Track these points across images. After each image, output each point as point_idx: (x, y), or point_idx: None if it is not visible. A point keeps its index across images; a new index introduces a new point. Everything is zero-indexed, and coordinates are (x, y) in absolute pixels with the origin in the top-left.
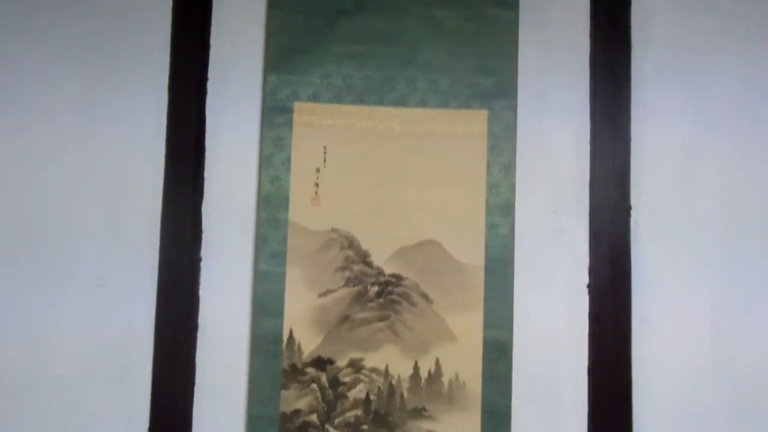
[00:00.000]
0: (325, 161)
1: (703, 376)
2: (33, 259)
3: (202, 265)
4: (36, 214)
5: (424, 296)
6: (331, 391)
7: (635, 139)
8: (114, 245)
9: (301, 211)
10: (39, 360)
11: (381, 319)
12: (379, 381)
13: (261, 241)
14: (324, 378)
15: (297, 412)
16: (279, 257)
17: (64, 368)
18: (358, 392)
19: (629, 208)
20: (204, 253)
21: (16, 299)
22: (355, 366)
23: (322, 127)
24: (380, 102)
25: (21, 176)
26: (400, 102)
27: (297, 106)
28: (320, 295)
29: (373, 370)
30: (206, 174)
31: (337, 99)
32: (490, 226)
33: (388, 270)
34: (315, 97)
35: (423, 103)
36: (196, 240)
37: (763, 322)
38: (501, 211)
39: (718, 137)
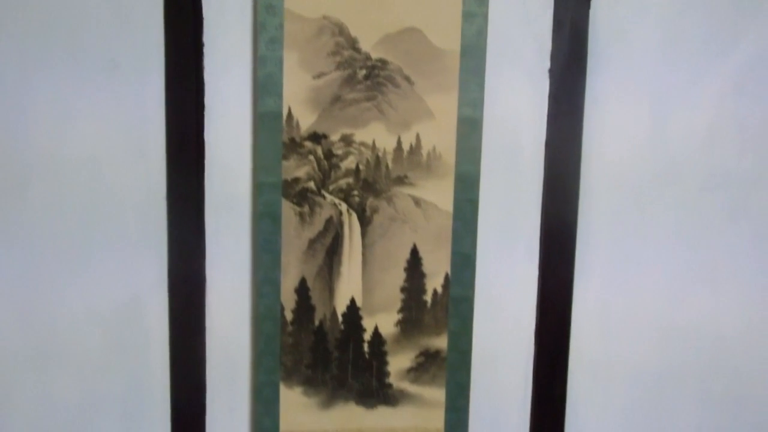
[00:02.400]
0: None
1: (642, 152)
2: (49, 45)
3: (205, 50)
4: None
5: (407, 79)
6: (325, 162)
7: None
8: (121, 30)
9: None
10: (58, 142)
11: (368, 99)
12: (367, 153)
13: (260, 27)
14: (319, 150)
15: (297, 180)
16: (277, 42)
17: (82, 149)
18: (349, 163)
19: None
20: (206, 39)
21: (31, 89)
22: (346, 140)
23: None
24: None
25: None
26: None
27: None
28: (314, 78)
29: (362, 144)
30: None
31: None
32: (466, 15)
33: (375, 55)
34: None
35: None
36: (197, 26)
37: (692, 107)
38: (476, 1)
39: None
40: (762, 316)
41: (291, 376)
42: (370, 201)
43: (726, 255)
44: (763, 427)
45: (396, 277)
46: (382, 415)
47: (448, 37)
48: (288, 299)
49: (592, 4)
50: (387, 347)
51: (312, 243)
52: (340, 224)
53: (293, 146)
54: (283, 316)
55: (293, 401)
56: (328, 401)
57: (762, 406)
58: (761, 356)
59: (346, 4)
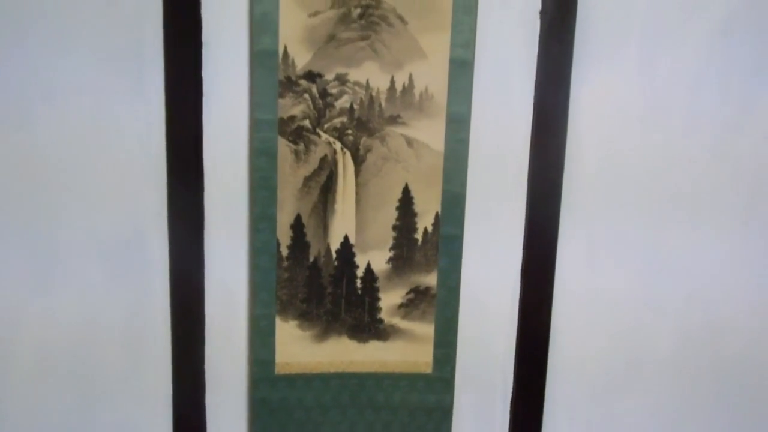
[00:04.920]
0: None
1: (630, 89)
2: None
3: None
4: None
5: (400, 18)
6: (320, 101)
7: None
8: None
9: None
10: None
11: (363, 38)
12: (361, 93)
13: None
14: (314, 89)
15: (292, 118)
16: None
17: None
18: (343, 102)
19: None
20: None
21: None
22: (341, 79)
23: None
24: None
25: None
26: None
27: None
28: (310, 16)
29: (356, 83)
30: None
31: None
32: None
33: None
34: None
35: None
36: None
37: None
38: None
39: None
40: (730, 304)
41: (286, 309)
42: (364, 140)
43: (697, 244)
44: (733, 408)
45: (388, 216)
46: (373, 348)
47: None
48: (284, 235)
49: None
50: (379, 283)
51: (307, 180)
52: (335, 162)
53: (289, 84)
54: (278, 251)
55: (288, 334)
56: (322, 335)
57: (735, 388)
58: (731, 339)
59: None
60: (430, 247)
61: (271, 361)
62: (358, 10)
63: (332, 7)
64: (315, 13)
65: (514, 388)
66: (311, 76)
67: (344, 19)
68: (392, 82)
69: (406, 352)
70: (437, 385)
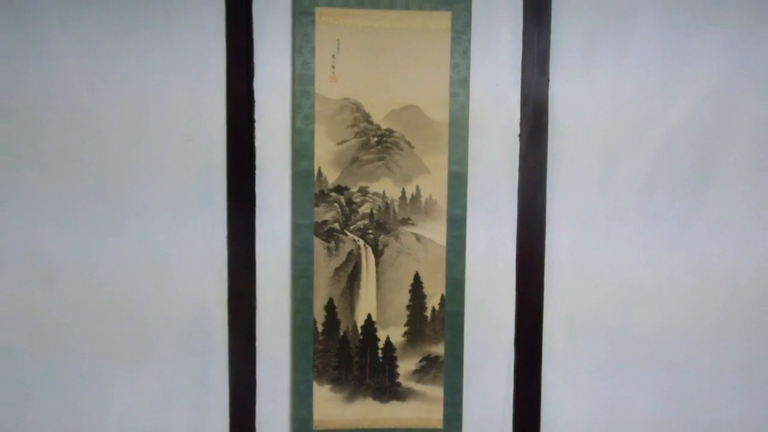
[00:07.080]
0: (338, 50)
1: (594, 195)
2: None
3: (256, 125)
4: None
5: (408, 144)
6: (347, 208)
7: (554, 32)
8: (193, 109)
9: (323, 86)
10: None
11: (379, 159)
12: (379, 201)
13: (296, 108)
14: (342, 199)
15: (325, 222)
16: (309, 118)
17: (165, 198)
18: (365, 209)
19: (548, 80)
20: (257, 116)
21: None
22: (363, 191)
23: (336, 25)
24: (376, 6)
25: None
26: (390, 6)
27: (318, 9)
28: (338, 144)
29: (375, 194)
30: (255, 61)
31: (346, 4)
32: (453, 95)
33: (384, 126)
34: (330, 3)
35: (406, 7)
36: (250, 107)
37: (634, 158)
38: (460, 84)
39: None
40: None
41: (321, 375)
42: (382, 238)
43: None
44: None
45: (403, 298)
46: (393, 408)
47: (439, 111)
48: (319, 314)
49: (551, 84)
50: (397, 353)
51: (337, 271)
52: (359, 256)
53: (322, 196)
54: (315, 328)
55: (323, 396)
56: (351, 396)
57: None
58: (710, 321)
59: (362, 88)
60: (438, 323)
61: (309, 419)
62: (375, 139)
63: (355, 137)
64: (342, 142)
65: None
66: (340, 189)
67: (364, 146)
68: (403, 192)
69: (420, 410)
70: None
